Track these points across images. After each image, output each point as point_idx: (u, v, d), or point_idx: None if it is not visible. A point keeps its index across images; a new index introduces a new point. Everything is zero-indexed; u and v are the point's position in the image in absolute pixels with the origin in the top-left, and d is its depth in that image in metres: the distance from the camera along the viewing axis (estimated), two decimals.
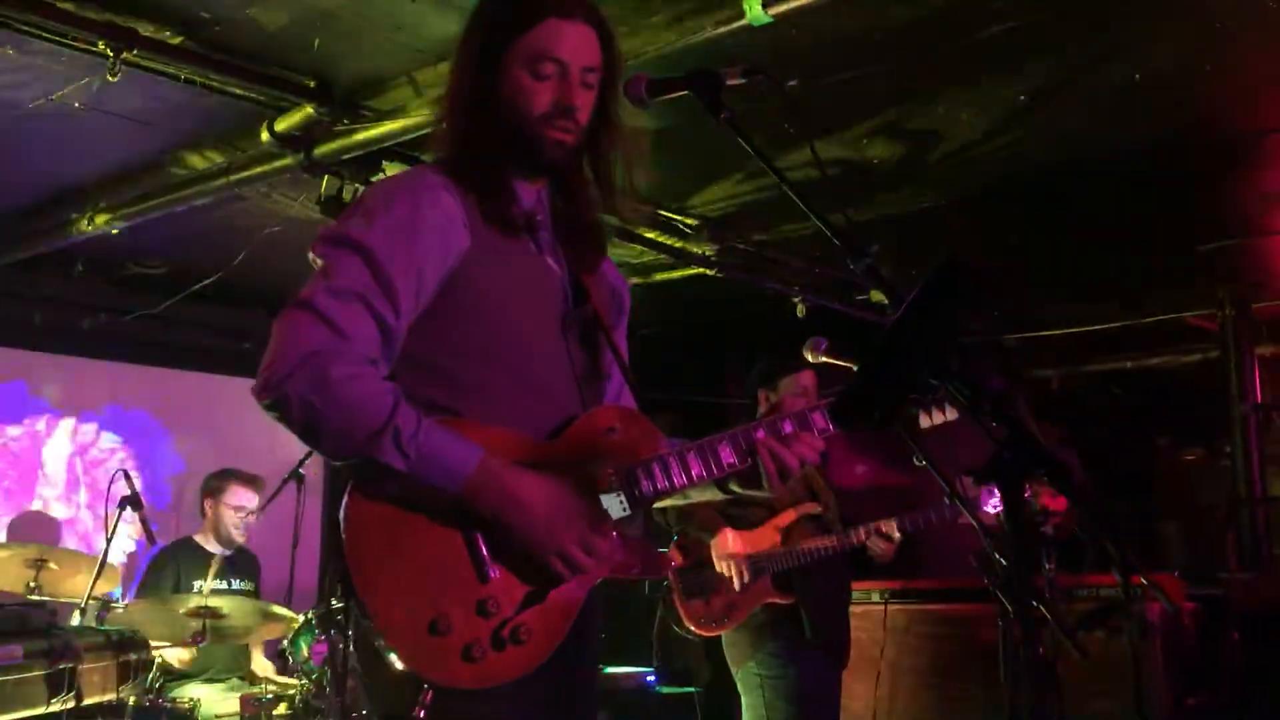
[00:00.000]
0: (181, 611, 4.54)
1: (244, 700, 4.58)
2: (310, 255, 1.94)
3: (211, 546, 5.44)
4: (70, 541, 6.58)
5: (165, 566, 5.27)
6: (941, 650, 5.77)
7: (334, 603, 4.42)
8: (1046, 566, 4.35)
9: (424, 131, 4.27)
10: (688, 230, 5.95)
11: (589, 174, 2.12)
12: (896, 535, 4.31)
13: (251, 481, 5.49)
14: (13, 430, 6.57)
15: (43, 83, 4.29)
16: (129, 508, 4.89)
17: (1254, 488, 6.61)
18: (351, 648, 3.75)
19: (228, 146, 4.88)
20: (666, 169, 5.31)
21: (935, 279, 1.68)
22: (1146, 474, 8.46)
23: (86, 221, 5.49)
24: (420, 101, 4.31)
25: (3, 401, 6.56)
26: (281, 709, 4.56)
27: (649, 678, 6.81)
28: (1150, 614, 5.15)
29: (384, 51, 4.15)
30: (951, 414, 2.07)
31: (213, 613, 4.51)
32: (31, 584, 4.71)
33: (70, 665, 3.69)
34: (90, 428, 6.85)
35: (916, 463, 3.45)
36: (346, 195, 4.79)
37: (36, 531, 6.37)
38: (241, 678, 5.02)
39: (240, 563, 5.49)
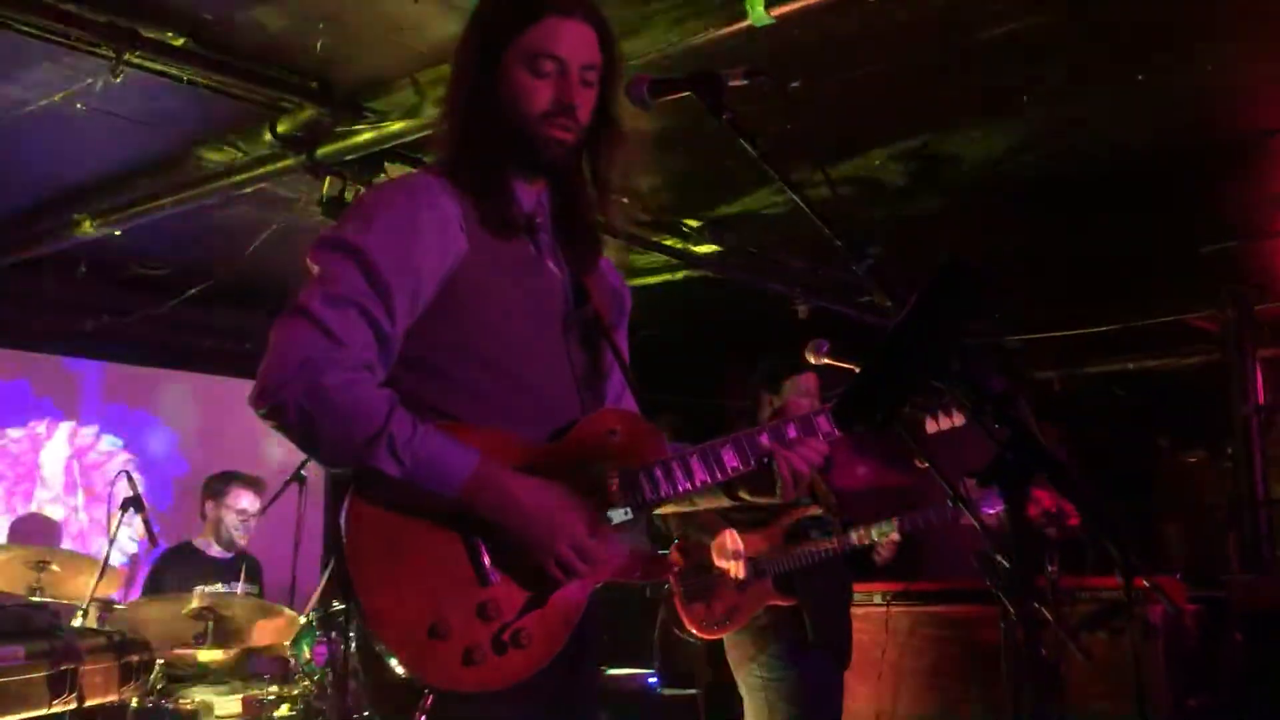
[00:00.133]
0: (183, 613, 4.54)
1: (246, 702, 4.58)
2: (306, 261, 1.93)
3: (212, 550, 5.45)
4: (71, 543, 6.58)
5: (165, 573, 5.27)
6: (943, 652, 5.77)
7: (335, 605, 4.43)
8: (1048, 568, 4.35)
9: (426, 133, 4.27)
10: (689, 232, 5.95)
11: (587, 174, 2.12)
12: (896, 536, 4.31)
13: (253, 484, 5.50)
14: (14, 432, 6.57)
15: (45, 84, 4.29)
16: (131, 509, 4.90)
17: (1255, 489, 6.61)
18: (353, 650, 3.75)
19: (230, 148, 4.88)
20: (667, 171, 5.32)
21: (937, 280, 1.68)
22: (1148, 475, 8.46)
23: (89, 223, 5.49)
24: (422, 103, 4.31)
25: (4, 403, 6.56)
26: (284, 711, 4.55)
27: (650, 679, 6.81)
28: (1152, 615, 5.15)
29: (386, 53, 4.16)
30: (959, 419, 2.07)
31: (214, 614, 4.51)
32: (33, 585, 4.71)
33: (72, 667, 3.69)
34: (92, 429, 6.85)
35: (919, 464, 3.45)
36: (348, 196, 4.79)
37: (37, 533, 6.37)
38: (244, 679, 5.01)
39: (242, 565, 5.48)
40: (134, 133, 4.74)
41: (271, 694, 4.61)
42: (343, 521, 1.84)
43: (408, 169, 4.63)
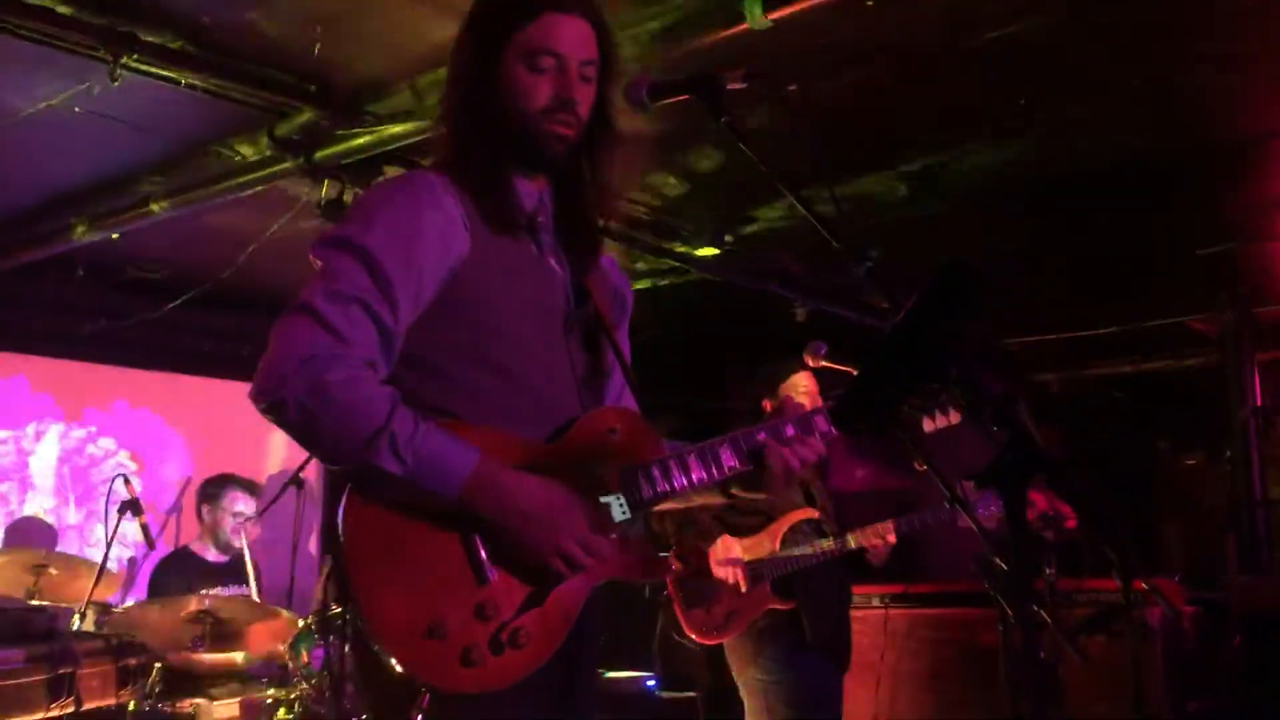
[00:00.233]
0: (181, 616, 4.53)
1: (244, 705, 4.57)
2: (310, 258, 1.94)
3: (209, 554, 5.44)
4: (69, 546, 6.57)
5: (166, 579, 5.27)
6: (942, 654, 5.77)
7: (333, 608, 4.42)
8: (1046, 571, 4.35)
9: (424, 136, 4.28)
10: (688, 234, 5.95)
11: (586, 174, 2.12)
12: (893, 538, 4.31)
13: (248, 487, 5.50)
14: (12, 434, 6.57)
15: (43, 88, 4.29)
16: (129, 512, 4.90)
17: (1254, 491, 6.61)
18: (349, 652, 3.74)
19: (228, 151, 4.88)
20: (665, 172, 5.32)
21: (935, 283, 1.68)
22: (1147, 477, 8.46)
23: (87, 226, 5.49)
24: (420, 106, 4.32)
25: (2, 406, 6.55)
26: (281, 714, 4.55)
27: (649, 682, 6.80)
28: (1150, 618, 5.15)
29: (384, 56, 4.16)
30: (955, 418, 2.08)
31: (212, 618, 4.50)
32: (31, 589, 4.71)
33: (70, 670, 3.68)
34: (90, 432, 6.85)
35: (917, 466, 3.45)
36: (347, 199, 4.79)
37: (35, 536, 6.37)
38: (242, 683, 5.00)
39: (238, 569, 5.48)
40: (132, 136, 4.74)
41: (269, 697, 4.60)
42: (340, 521, 1.84)
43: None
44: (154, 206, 5.20)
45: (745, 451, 2.06)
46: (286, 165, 4.69)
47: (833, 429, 2.09)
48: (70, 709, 3.68)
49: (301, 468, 5.27)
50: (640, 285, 6.89)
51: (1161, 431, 8.46)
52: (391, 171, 4.76)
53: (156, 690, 4.46)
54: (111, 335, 6.59)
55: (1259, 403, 6.78)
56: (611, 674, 6.78)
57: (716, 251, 6.09)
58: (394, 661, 1.80)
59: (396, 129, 4.40)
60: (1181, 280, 6.81)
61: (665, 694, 6.71)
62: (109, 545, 4.82)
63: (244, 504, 5.43)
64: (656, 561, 2.08)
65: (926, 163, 5.15)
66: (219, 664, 5.06)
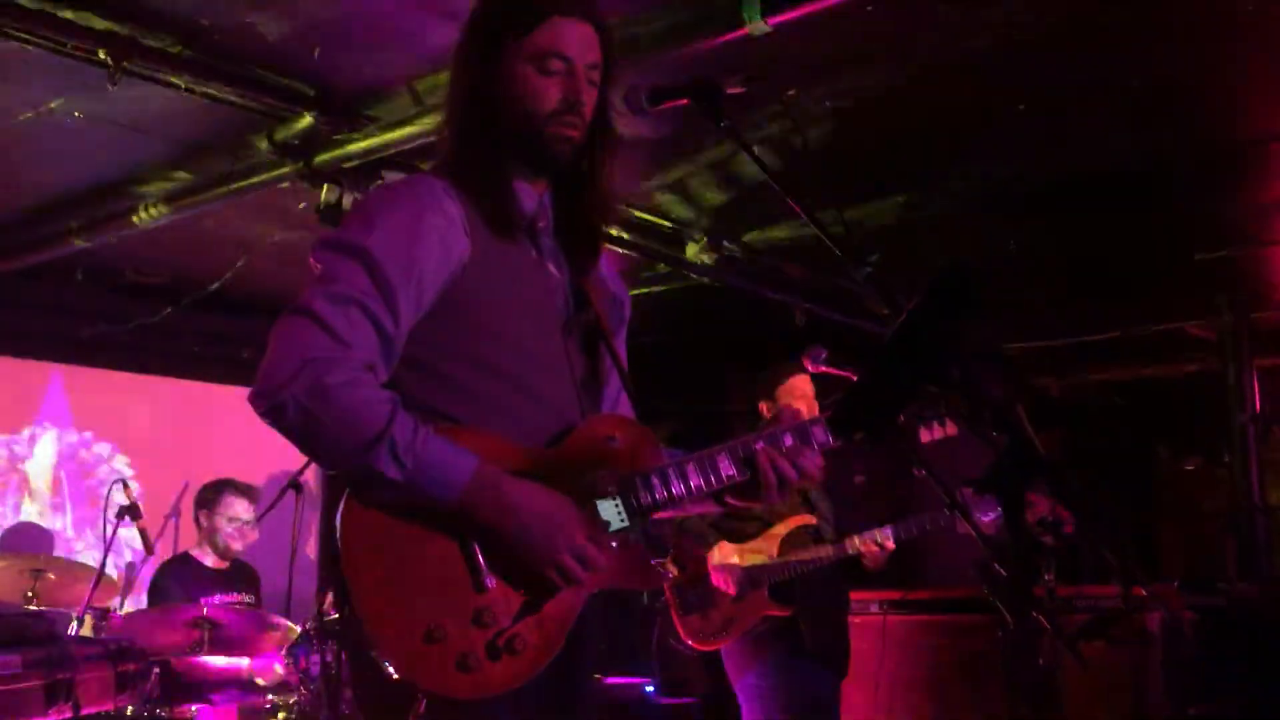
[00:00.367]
0: (180, 622, 4.53)
1: (242, 711, 4.57)
2: (310, 261, 1.93)
3: (208, 560, 5.43)
4: (66, 551, 6.56)
5: (168, 585, 5.26)
6: (941, 660, 5.76)
7: (331, 613, 4.41)
8: (1046, 576, 4.35)
9: (423, 140, 4.27)
10: (687, 239, 5.95)
11: (586, 176, 2.13)
12: (891, 544, 4.31)
13: (246, 492, 5.49)
14: (9, 439, 6.56)
15: (43, 91, 4.29)
16: (127, 517, 4.89)
17: (1253, 497, 6.61)
18: (347, 658, 3.73)
19: (227, 155, 4.88)
20: (665, 177, 5.32)
21: (935, 288, 1.68)
22: (1146, 483, 8.46)
23: (86, 230, 5.48)
24: (420, 111, 4.32)
25: (1, 410, 6.54)
26: (280, 719, 4.54)
27: (648, 688, 6.80)
28: (1150, 624, 5.15)
29: (384, 60, 4.16)
30: (952, 429, 2.08)
31: (211, 623, 4.50)
32: (29, 594, 4.70)
33: (68, 675, 3.67)
34: (88, 437, 6.84)
35: (916, 472, 3.44)
36: (346, 204, 4.79)
37: (32, 541, 6.36)
38: (240, 688, 5.00)
39: (239, 575, 5.48)
40: (131, 140, 4.74)
41: (268, 703, 4.60)
42: (338, 526, 1.84)
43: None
44: (153, 210, 5.20)
45: (743, 460, 2.05)
46: (286, 169, 4.69)
47: (830, 439, 2.08)
48: (68, 714, 3.67)
49: (300, 472, 5.26)
50: (640, 290, 6.89)
51: (1161, 437, 8.46)
52: (391, 176, 4.76)
53: (155, 696, 4.45)
54: (110, 339, 6.58)
55: (1258, 408, 6.78)
56: (610, 679, 6.77)
57: (716, 256, 6.09)
58: (391, 666, 1.80)
59: (396, 133, 4.40)
60: (1181, 285, 6.81)
61: (664, 700, 6.72)
62: (107, 550, 4.81)
63: (241, 510, 5.42)
64: (654, 569, 2.07)
65: (923, 167, 5.15)
66: (217, 670, 5.06)
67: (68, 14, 3.75)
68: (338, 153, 4.56)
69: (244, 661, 5.22)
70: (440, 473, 1.82)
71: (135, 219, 5.29)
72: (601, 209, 2.15)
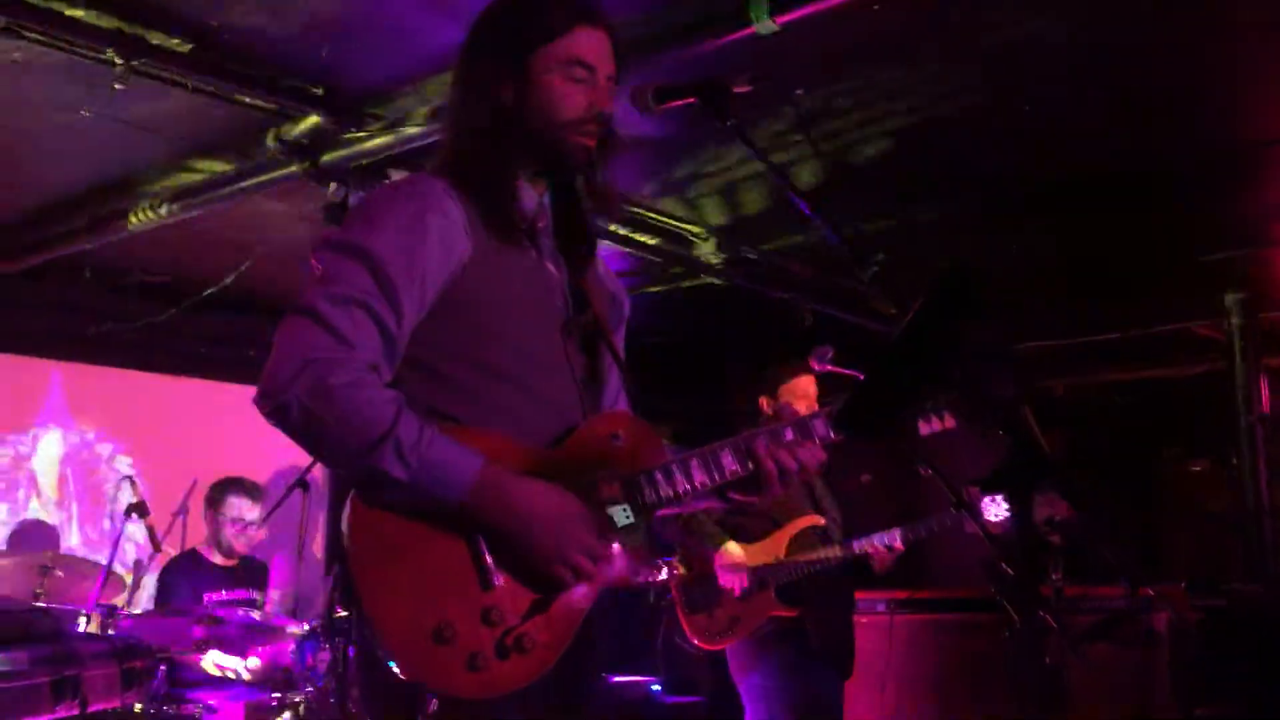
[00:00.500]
0: (187, 619, 4.54)
1: (249, 708, 4.57)
2: (311, 261, 1.94)
3: (216, 557, 5.44)
4: (74, 549, 6.58)
5: (176, 581, 5.27)
6: (947, 660, 5.76)
7: (338, 611, 4.42)
8: (1053, 576, 4.35)
9: (431, 140, 4.28)
10: (694, 239, 5.96)
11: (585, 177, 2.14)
12: (899, 545, 4.31)
13: (251, 492, 5.49)
14: (16, 437, 6.58)
15: (51, 90, 4.30)
16: (135, 515, 4.90)
17: (1261, 498, 6.59)
18: (354, 656, 3.74)
19: (235, 154, 4.89)
20: (672, 176, 5.32)
21: (940, 288, 1.68)
22: (1153, 484, 8.44)
23: (93, 229, 5.50)
24: (426, 110, 4.32)
25: (7, 408, 6.56)
26: (286, 717, 4.55)
27: (654, 687, 6.80)
28: (1157, 624, 5.14)
29: (391, 60, 4.16)
30: (949, 422, 2.08)
31: (217, 620, 4.51)
32: (37, 591, 4.71)
33: (75, 673, 3.68)
34: (96, 435, 6.86)
35: (923, 472, 3.44)
36: (353, 203, 4.80)
37: (39, 539, 6.37)
38: (246, 686, 5.01)
39: (247, 573, 5.49)
40: (139, 139, 4.75)
41: (273, 701, 4.60)
42: (344, 526, 1.84)
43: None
44: (160, 210, 5.21)
45: (745, 455, 2.06)
46: (293, 169, 4.70)
47: (831, 433, 2.08)
48: (75, 711, 3.68)
49: (307, 470, 5.27)
50: (647, 289, 6.89)
51: (1168, 437, 8.44)
52: (398, 175, 4.77)
53: (161, 693, 4.47)
54: (117, 338, 6.60)
55: (1265, 409, 6.76)
56: (616, 678, 6.78)
57: (723, 256, 6.09)
58: (399, 666, 1.80)
59: (403, 132, 4.40)
60: (1189, 285, 6.80)
61: (670, 699, 6.72)
62: (114, 547, 4.83)
63: (244, 510, 5.42)
64: (660, 567, 2.07)
65: (929, 167, 5.14)
66: (224, 667, 5.07)
67: (76, 13, 3.76)
68: (345, 152, 4.57)
69: (251, 659, 5.24)
70: (446, 472, 1.82)
71: (142, 218, 5.30)
72: (607, 208, 2.16)
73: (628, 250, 5.90)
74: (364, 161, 4.62)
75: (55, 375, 6.75)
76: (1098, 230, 5.98)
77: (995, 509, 4.04)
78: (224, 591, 5.30)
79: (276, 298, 6.52)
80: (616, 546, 1.96)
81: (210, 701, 4.62)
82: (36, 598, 4.69)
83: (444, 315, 1.95)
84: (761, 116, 4.50)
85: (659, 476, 2.01)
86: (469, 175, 2.02)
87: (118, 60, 3.84)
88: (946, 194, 5.48)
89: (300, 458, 5.72)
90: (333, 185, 4.71)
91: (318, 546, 7.38)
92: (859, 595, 4.74)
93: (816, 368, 4.24)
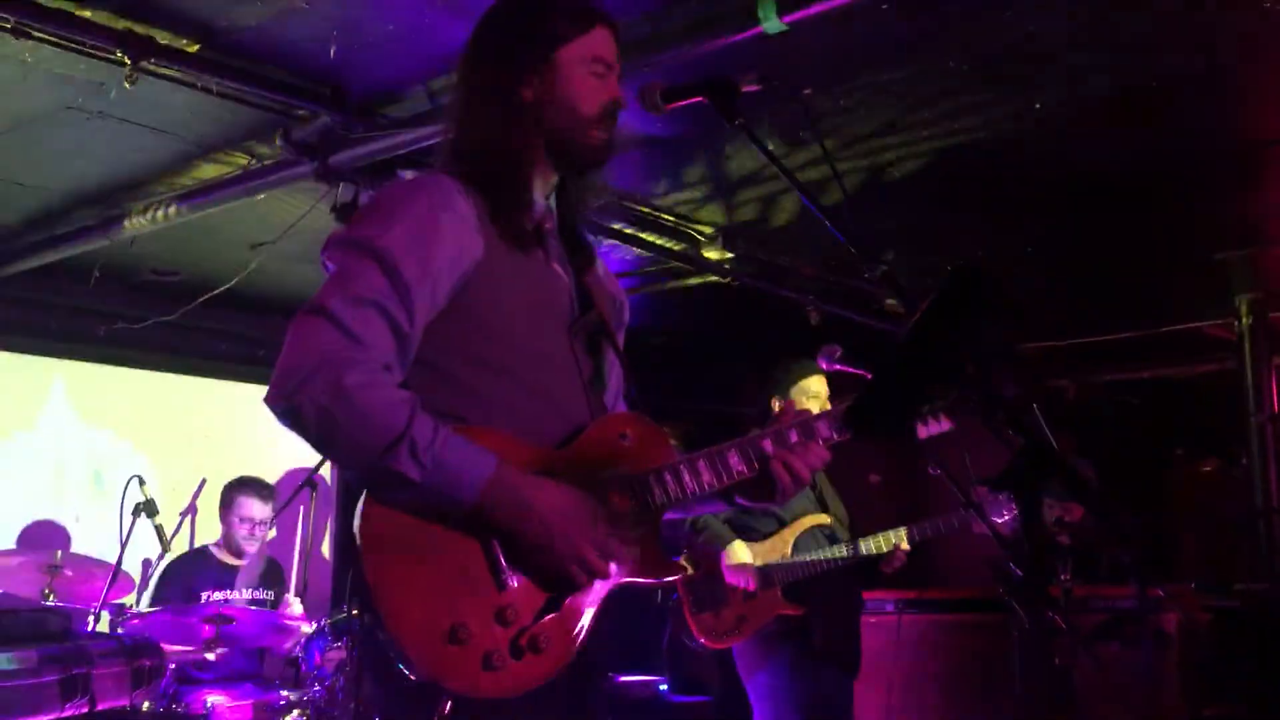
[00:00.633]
0: (196, 618, 4.55)
1: (257, 707, 4.58)
2: (323, 259, 1.93)
3: (226, 556, 5.46)
4: (83, 547, 6.59)
5: (174, 577, 5.28)
6: (955, 660, 5.75)
7: (347, 610, 4.43)
8: (1062, 576, 4.34)
9: (440, 139, 4.28)
10: (701, 238, 5.95)
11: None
12: (906, 545, 4.30)
13: (261, 491, 5.50)
14: (27, 436, 6.60)
15: (60, 90, 4.31)
16: (144, 514, 4.92)
17: (1271, 498, 6.57)
18: (366, 656, 3.75)
19: (244, 154, 4.90)
20: (679, 175, 5.32)
21: (949, 287, 1.68)
22: (1163, 484, 8.42)
23: (102, 229, 5.51)
24: (435, 109, 4.32)
25: (17, 407, 6.58)
26: (294, 716, 4.56)
27: (661, 687, 6.81)
28: (1166, 625, 5.13)
29: (400, 59, 4.17)
30: (946, 425, 2.07)
31: (226, 619, 4.52)
32: (46, 590, 4.73)
33: (84, 671, 3.69)
34: (105, 434, 6.87)
35: (932, 472, 3.43)
36: (362, 202, 4.80)
37: (49, 537, 6.39)
38: (255, 685, 5.02)
39: (259, 573, 5.49)
40: (148, 139, 4.76)
41: (282, 700, 4.61)
42: (357, 526, 1.83)
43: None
44: (169, 209, 5.22)
45: (752, 457, 2.06)
46: (302, 168, 4.70)
47: (835, 434, 2.08)
48: (84, 709, 3.69)
49: (315, 470, 5.28)
50: (653, 289, 6.89)
51: (1178, 438, 8.42)
52: (406, 174, 4.77)
53: (170, 692, 4.48)
54: (127, 337, 6.62)
55: (1276, 409, 6.73)
56: (624, 678, 6.78)
57: (730, 255, 6.08)
58: (414, 666, 1.79)
59: (412, 132, 4.41)
60: (1198, 285, 6.78)
61: (677, 699, 6.72)
62: (123, 546, 4.84)
63: (256, 508, 5.43)
64: (668, 567, 2.07)
65: (939, 167, 5.13)
66: (232, 666, 5.09)
67: (86, 13, 3.77)
68: (353, 151, 4.57)
69: (259, 658, 5.26)
70: (460, 473, 1.82)
71: (151, 218, 5.31)
72: (599, 207, 2.18)
73: (634, 249, 5.90)
74: (373, 160, 4.63)
75: (68, 374, 6.77)
76: (1108, 229, 5.97)
77: (1003, 509, 4.03)
78: (228, 590, 5.31)
79: (285, 297, 6.54)
80: (628, 545, 1.95)
81: (217, 700, 4.63)
82: (45, 597, 4.71)
83: (453, 315, 1.95)
84: (770, 116, 4.49)
85: (667, 476, 2.02)
86: (483, 174, 2.02)
87: (126, 60, 3.84)
88: (955, 194, 5.47)
89: (308, 457, 5.74)
90: (341, 184, 4.72)
91: (326, 546, 7.39)
92: (866, 595, 4.73)
93: (825, 367, 4.24)
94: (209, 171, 5.10)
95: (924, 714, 5.69)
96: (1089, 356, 8.02)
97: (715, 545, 4.26)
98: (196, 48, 4.00)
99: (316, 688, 4.56)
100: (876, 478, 7.67)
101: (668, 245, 5.90)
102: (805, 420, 2.09)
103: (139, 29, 3.86)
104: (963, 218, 5.80)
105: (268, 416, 1.84)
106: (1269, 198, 5.62)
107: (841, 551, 4.28)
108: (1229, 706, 5.25)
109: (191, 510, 5.35)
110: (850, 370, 4.10)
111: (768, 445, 2.06)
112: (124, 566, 4.88)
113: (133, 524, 4.91)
